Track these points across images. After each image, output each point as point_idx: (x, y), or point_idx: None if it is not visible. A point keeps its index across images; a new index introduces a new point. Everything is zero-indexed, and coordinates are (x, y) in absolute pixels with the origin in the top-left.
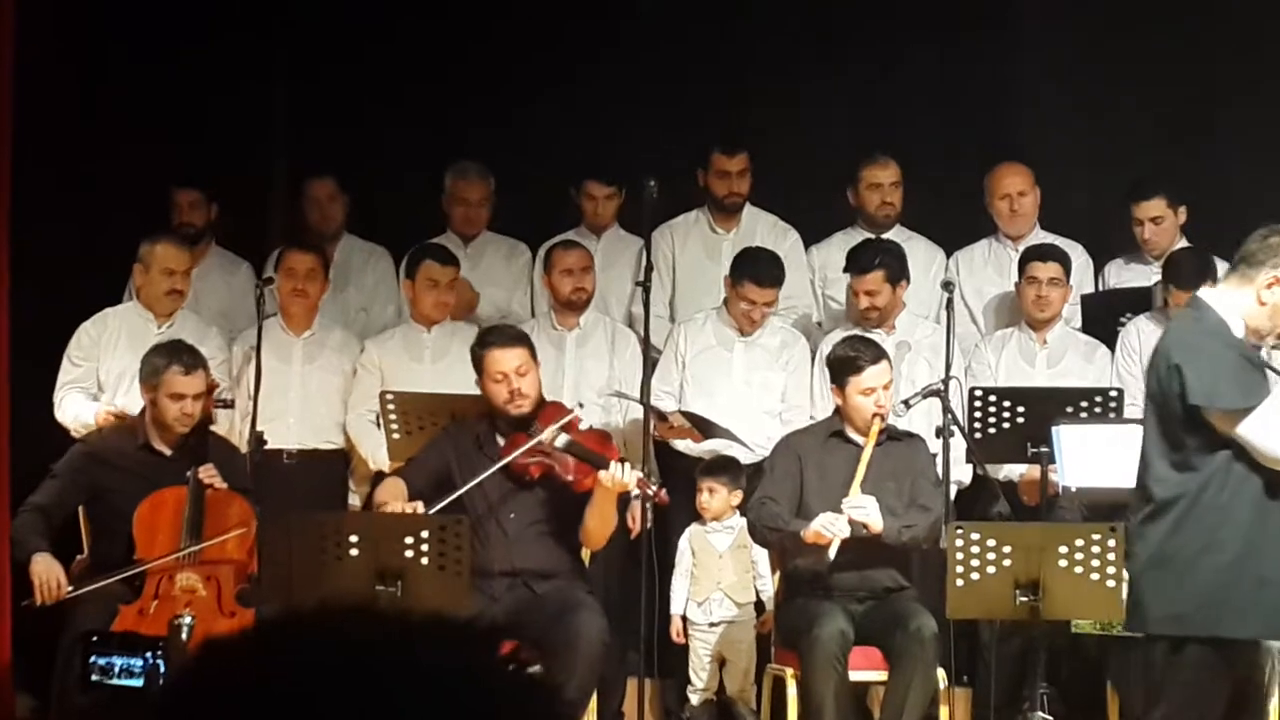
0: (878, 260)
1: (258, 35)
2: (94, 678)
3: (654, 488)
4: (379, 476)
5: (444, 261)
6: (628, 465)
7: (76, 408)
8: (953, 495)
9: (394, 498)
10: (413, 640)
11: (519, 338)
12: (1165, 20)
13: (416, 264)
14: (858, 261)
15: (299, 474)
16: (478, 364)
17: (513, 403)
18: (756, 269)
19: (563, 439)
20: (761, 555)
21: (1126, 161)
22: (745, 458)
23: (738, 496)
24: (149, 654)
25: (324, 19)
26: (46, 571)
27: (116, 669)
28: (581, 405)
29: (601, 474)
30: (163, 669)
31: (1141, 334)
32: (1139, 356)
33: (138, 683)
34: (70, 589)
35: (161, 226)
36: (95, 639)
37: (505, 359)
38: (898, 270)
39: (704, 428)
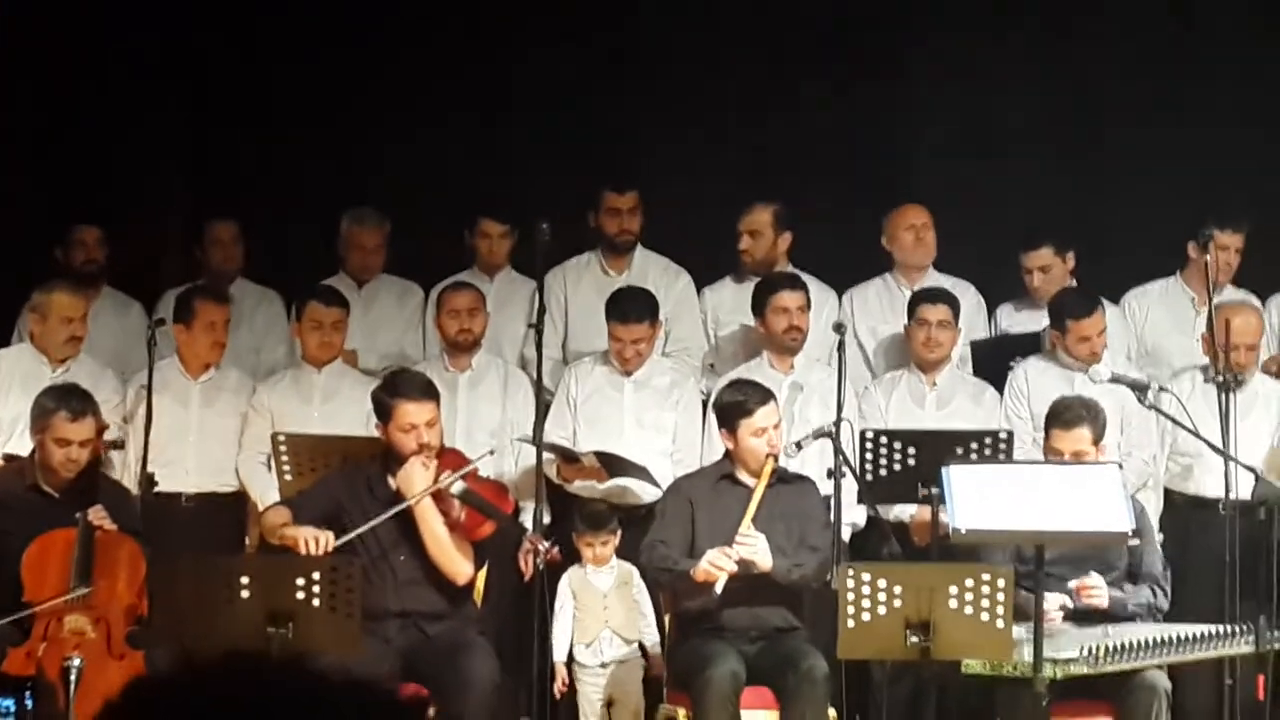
0: (799, 282)
1: (153, 75)
2: None
3: (544, 545)
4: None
5: (329, 303)
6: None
7: None
8: (846, 536)
9: (285, 527)
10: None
11: (429, 390)
12: (1052, 60)
13: (303, 306)
14: (784, 281)
15: (196, 517)
16: (384, 411)
17: (420, 455)
18: (621, 307)
19: (459, 486)
20: (644, 596)
21: (1017, 203)
22: (649, 497)
23: (617, 539)
24: (21, 694)
25: (219, 57)
26: None
27: None
28: (492, 452)
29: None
30: (31, 708)
31: (1030, 376)
32: (1027, 400)
33: None
34: None
35: (47, 267)
36: None
37: (417, 412)
38: (809, 297)
39: (616, 467)
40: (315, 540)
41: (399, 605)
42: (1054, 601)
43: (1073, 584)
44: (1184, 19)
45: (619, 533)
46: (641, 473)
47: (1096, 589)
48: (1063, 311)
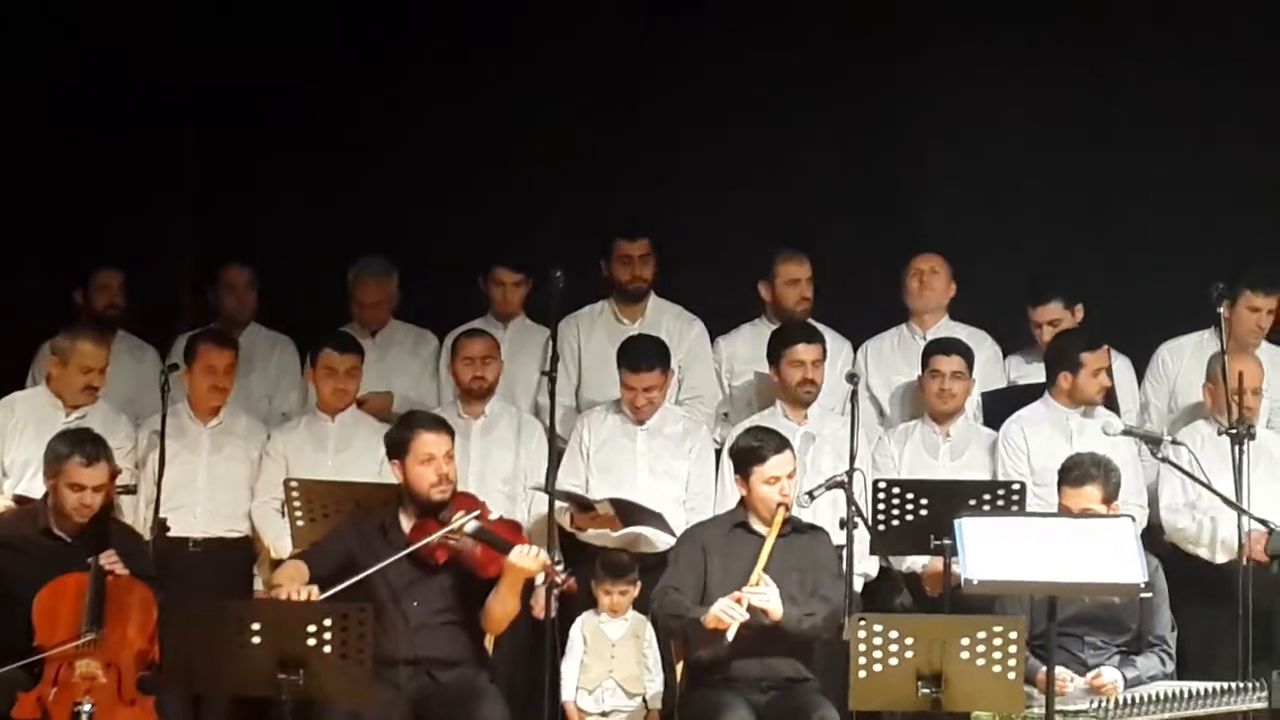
0: (815, 334)
1: (166, 123)
2: None
3: (562, 575)
4: (279, 564)
5: (343, 350)
6: (536, 549)
7: None
8: (859, 587)
9: (292, 580)
10: None
11: (444, 424)
12: (1064, 110)
13: (317, 352)
14: (801, 333)
15: (205, 562)
16: (401, 447)
17: (439, 486)
18: (632, 356)
19: (472, 524)
20: (653, 650)
21: (1033, 254)
22: (664, 544)
23: (636, 590)
24: None
25: (235, 105)
26: None
27: None
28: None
29: (512, 553)
30: None
31: (1026, 431)
32: (1026, 455)
33: None
34: None
35: (69, 314)
36: None
37: (435, 442)
38: (825, 349)
39: (631, 514)
40: (298, 594)
41: (410, 652)
42: (1066, 673)
43: (1088, 679)
44: (1197, 75)
45: (639, 584)
46: (657, 520)
47: (1109, 685)
48: (1071, 350)
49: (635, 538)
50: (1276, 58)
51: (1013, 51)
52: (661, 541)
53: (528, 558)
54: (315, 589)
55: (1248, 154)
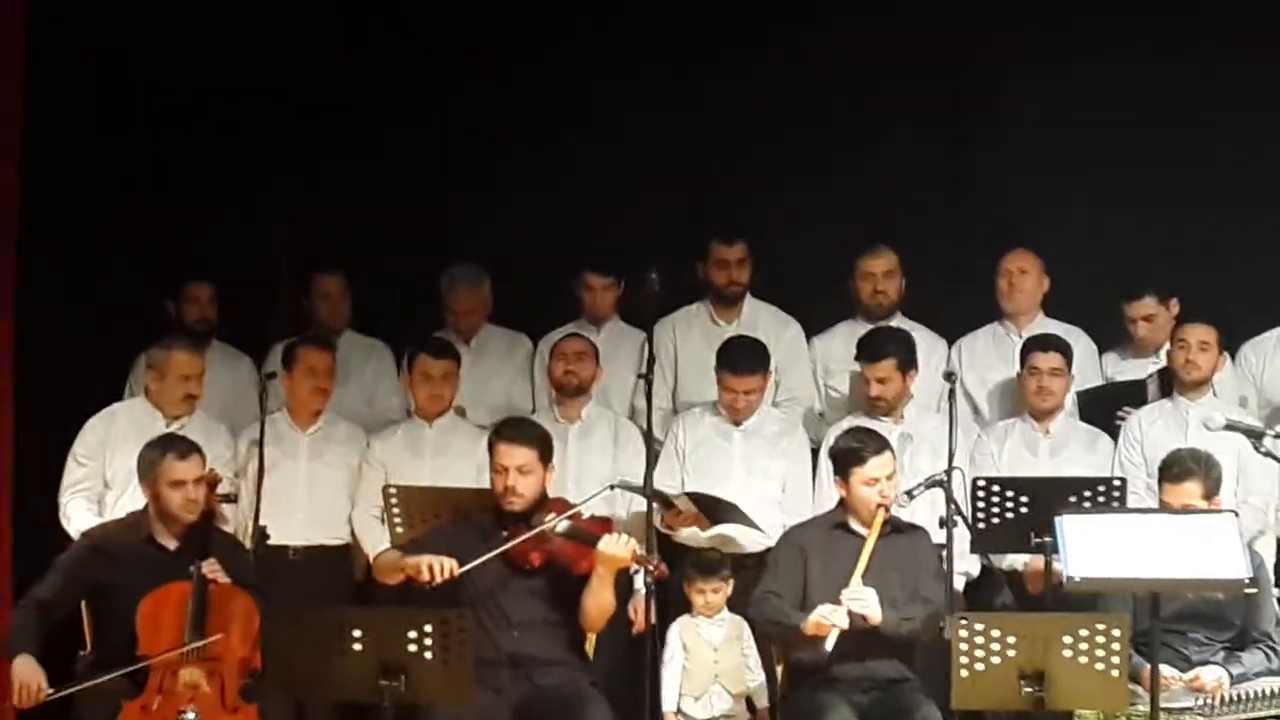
0: (888, 348)
1: (254, 129)
2: None
3: (654, 561)
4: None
5: (438, 355)
6: (626, 536)
7: (80, 519)
8: (960, 586)
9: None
10: None
11: (533, 437)
12: (1163, 105)
13: (413, 359)
14: (868, 349)
15: (304, 569)
16: (489, 450)
17: (505, 498)
18: (732, 358)
19: (564, 525)
20: (753, 650)
21: (1128, 250)
22: (752, 544)
23: (730, 587)
24: None
25: (324, 112)
26: (26, 675)
27: None
28: (613, 488)
29: (601, 541)
30: None
31: (1143, 424)
32: (1140, 446)
33: None
34: (50, 692)
35: (163, 324)
36: None
37: (510, 454)
38: (907, 358)
39: (712, 509)
40: (440, 565)
41: (510, 653)
42: (1170, 671)
43: (1188, 676)
44: None
45: (731, 581)
46: (737, 514)
47: (1213, 684)
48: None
49: (725, 538)
50: None
51: (1102, 47)
52: (750, 541)
53: (618, 545)
54: (454, 562)
55: None
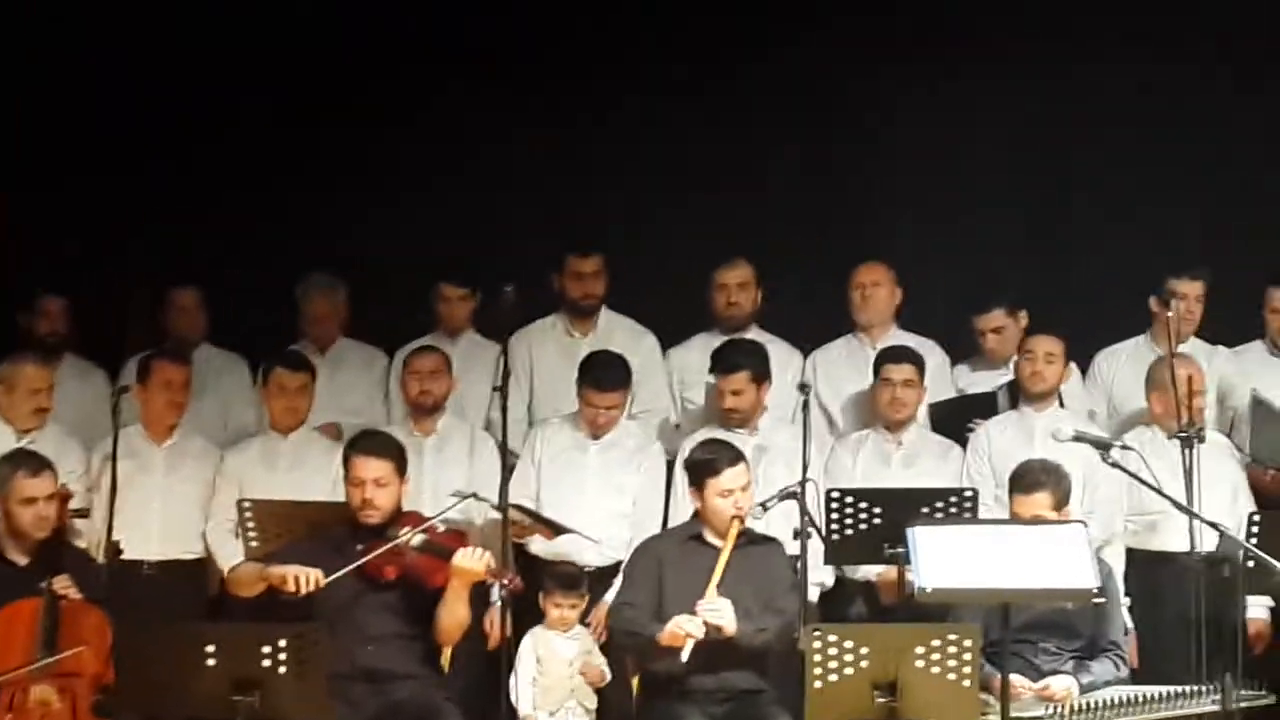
0: (742, 360)
1: (122, 140)
2: None
3: (509, 575)
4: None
5: (294, 368)
6: (481, 549)
7: None
8: (814, 597)
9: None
10: None
11: (388, 450)
12: (1011, 117)
13: (268, 371)
14: (722, 361)
15: (158, 584)
16: (345, 463)
17: (362, 510)
18: (595, 374)
19: (419, 539)
20: (602, 662)
21: (983, 264)
22: (594, 558)
23: (584, 604)
24: None
25: (189, 125)
26: None
27: None
28: (465, 497)
29: (456, 555)
30: None
31: (991, 435)
32: (988, 457)
33: None
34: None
35: (13, 339)
36: None
37: (366, 467)
38: (761, 370)
39: (543, 521)
40: (305, 576)
41: (365, 662)
42: (1020, 681)
43: (1038, 685)
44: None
45: (587, 598)
46: (561, 528)
47: (1062, 694)
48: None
49: (561, 553)
50: (1223, 62)
51: (952, 61)
52: (581, 551)
53: (472, 559)
54: (319, 572)
55: (1192, 157)
